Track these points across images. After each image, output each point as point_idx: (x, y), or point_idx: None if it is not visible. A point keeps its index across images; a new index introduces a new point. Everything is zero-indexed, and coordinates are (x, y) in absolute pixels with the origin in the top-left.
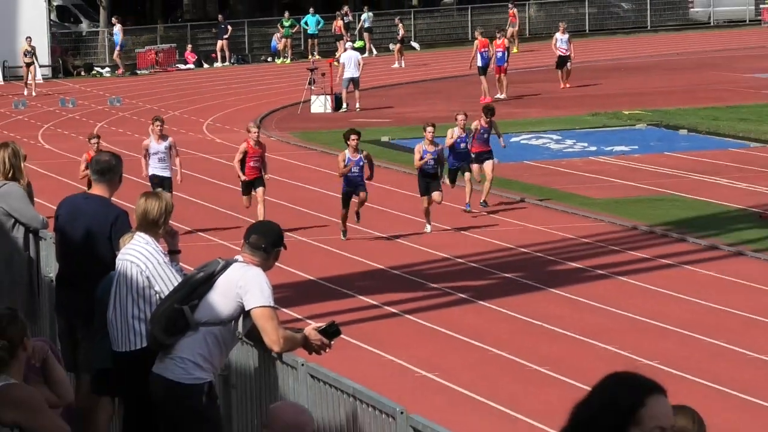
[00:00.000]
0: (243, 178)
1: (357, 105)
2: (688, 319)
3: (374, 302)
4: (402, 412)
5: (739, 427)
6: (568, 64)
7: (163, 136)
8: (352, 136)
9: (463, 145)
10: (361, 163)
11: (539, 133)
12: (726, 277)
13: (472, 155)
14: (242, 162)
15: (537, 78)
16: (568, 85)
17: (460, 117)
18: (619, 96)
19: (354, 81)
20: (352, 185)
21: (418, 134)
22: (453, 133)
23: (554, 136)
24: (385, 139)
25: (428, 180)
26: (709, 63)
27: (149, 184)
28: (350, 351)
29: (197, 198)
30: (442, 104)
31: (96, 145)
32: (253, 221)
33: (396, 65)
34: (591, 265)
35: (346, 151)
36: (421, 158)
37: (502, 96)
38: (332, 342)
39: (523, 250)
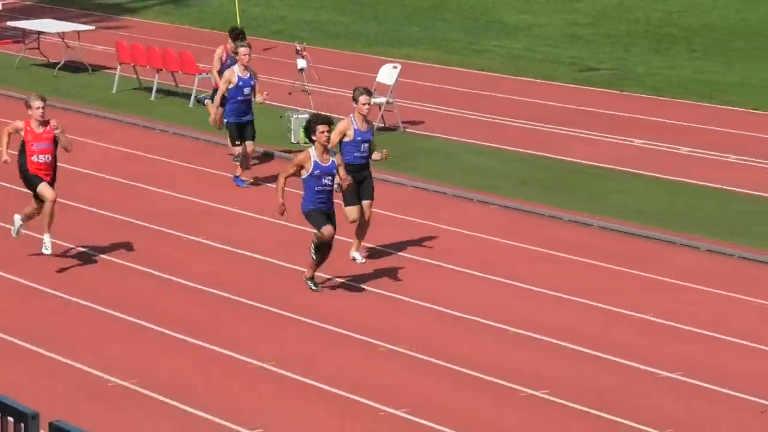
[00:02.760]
0: (5, 158)
1: None
2: None
3: None
4: None
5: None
6: None
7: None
8: (320, 128)
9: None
10: (334, 171)
11: None
12: None
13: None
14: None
15: None
16: None
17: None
18: None
19: None
20: (325, 202)
21: None
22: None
23: None
24: None
25: (356, 179)
26: None
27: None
28: None
29: None
30: None
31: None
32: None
33: None
34: None
35: (312, 152)
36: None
37: None
38: None
39: None
